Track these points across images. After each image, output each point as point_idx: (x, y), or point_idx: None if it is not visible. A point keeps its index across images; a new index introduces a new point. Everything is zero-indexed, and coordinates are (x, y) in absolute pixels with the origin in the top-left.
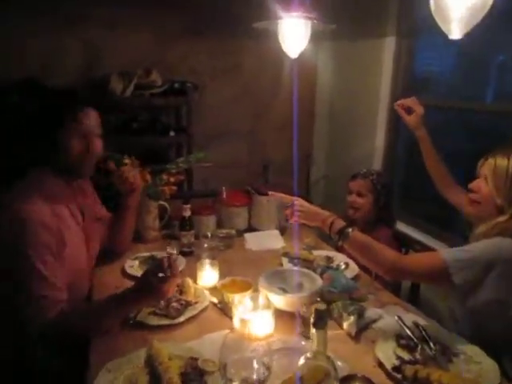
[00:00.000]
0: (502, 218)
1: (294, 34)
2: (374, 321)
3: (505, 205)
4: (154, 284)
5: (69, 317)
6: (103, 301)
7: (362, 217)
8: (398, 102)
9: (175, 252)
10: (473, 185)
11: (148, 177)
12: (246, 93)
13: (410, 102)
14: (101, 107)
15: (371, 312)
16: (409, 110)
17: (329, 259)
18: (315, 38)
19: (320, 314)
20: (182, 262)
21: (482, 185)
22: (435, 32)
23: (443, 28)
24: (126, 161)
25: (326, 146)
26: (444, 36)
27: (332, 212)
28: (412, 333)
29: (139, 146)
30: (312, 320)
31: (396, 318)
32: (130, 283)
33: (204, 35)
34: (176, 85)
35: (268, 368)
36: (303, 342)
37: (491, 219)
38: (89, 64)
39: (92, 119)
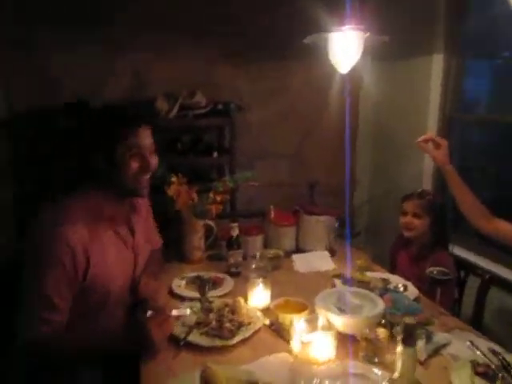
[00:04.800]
0: None
1: (345, 47)
2: (443, 346)
3: None
4: (139, 321)
5: (56, 341)
6: (92, 336)
7: (418, 239)
8: (420, 137)
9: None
10: None
11: (194, 195)
12: (291, 114)
13: (433, 136)
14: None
15: (439, 337)
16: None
17: (384, 281)
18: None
19: (410, 329)
20: (229, 284)
21: None
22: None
23: None
24: (173, 179)
25: (369, 168)
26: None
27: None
28: (489, 359)
29: (182, 166)
30: (400, 337)
31: (468, 343)
32: (177, 303)
33: (248, 57)
34: (219, 106)
35: None
36: (375, 369)
37: None
38: (135, 86)
39: (147, 135)
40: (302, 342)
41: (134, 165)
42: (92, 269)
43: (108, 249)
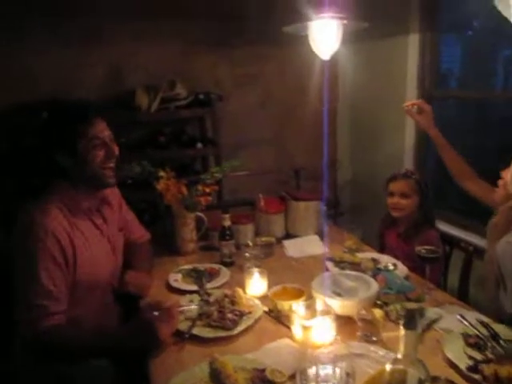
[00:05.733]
0: (508, 205)
1: (325, 35)
2: (435, 321)
3: None
4: (147, 319)
5: (60, 334)
6: (98, 332)
7: (407, 218)
8: (407, 102)
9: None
10: (504, 171)
11: (183, 188)
12: (270, 100)
13: (418, 101)
14: (126, 122)
15: (431, 312)
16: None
17: (375, 261)
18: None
19: (412, 314)
20: (225, 274)
21: (508, 172)
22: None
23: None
24: (161, 174)
25: (349, 150)
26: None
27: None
28: (478, 331)
29: (166, 159)
30: (402, 321)
31: (458, 316)
32: (175, 297)
33: (225, 45)
34: (200, 96)
35: (352, 376)
36: (374, 348)
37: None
38: (113, 79)
39: (105, 127)
40: (303, 327)
41: (100, 153)
42: (79, 259)
43: (89, 238)
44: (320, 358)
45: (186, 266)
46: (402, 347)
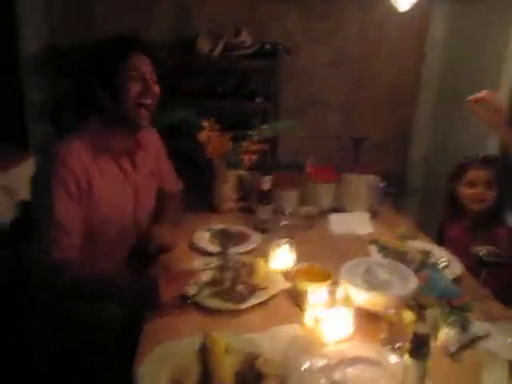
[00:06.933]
0: None
1: None
2: (480, 338)
3: None
4: (152, 277)
5: (67, 269)
6: (103, 274)
7: (479, 211)
8: (470, 97)
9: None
10: None
11: (227, 143)
12: (345, 60)
13: (486, 95)
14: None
15: (477, 326)
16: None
17: (426, 254)
18: None
19: (422, 340)
20: (255, 240)
21: None
22: None
23: None
24: (204, 124)
25: (429, 124)
26: None
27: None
28: None
29: (222, 111)
30: (409, 345)
31: (510, 340)
32: (197, 258)
33: None
34: (267, 46)
35: None
36: (390, 357)
37: None
38: (179, 23)
39: (145, 65)
40: (316, 318)
41: (135, 88)
42: (94, 196)
43: (109, 179)
44: (324, 358)
45: (217, 226)
46: (405, 379)
